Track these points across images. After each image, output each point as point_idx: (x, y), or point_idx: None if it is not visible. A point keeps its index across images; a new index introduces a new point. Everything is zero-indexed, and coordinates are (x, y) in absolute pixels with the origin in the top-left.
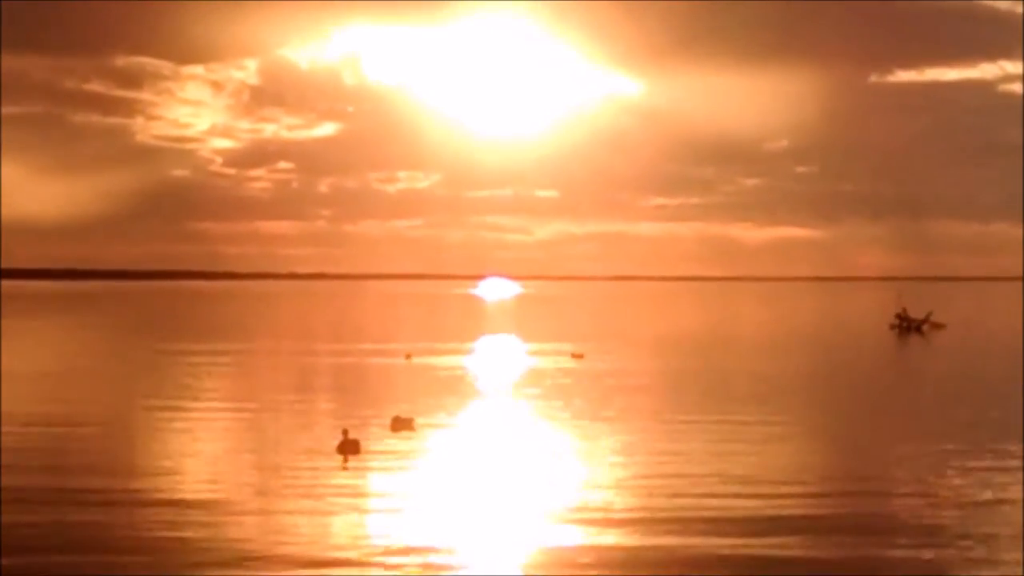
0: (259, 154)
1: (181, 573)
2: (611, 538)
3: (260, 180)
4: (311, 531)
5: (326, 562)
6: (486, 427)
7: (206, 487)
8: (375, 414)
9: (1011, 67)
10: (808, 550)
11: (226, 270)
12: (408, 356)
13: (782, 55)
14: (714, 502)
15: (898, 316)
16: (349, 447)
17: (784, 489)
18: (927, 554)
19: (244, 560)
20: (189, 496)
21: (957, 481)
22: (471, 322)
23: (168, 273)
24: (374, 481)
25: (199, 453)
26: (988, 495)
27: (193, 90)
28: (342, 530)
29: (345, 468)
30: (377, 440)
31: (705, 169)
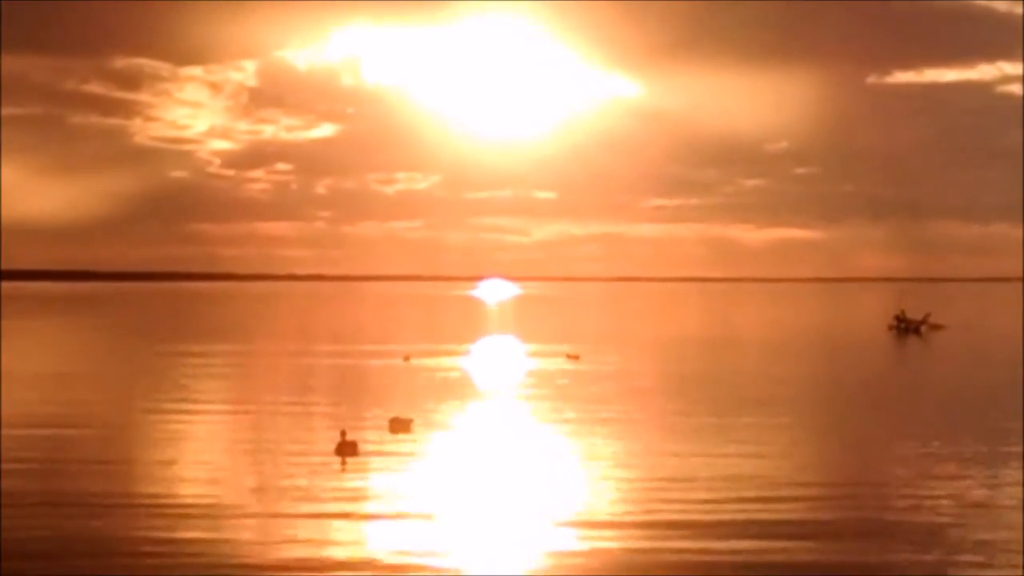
0: (258, 155)
1: None
2: (609, 541)
3: (259, 181)
4: (309, 534)
5: (324, 565)
6: (484, 429)
7: (204, 489)
8: (373, 415)
9: (1009, 68)
10: (808, 554)
11: (224, 271)
12: (407, 358)
13: (781, 56)
14: (711, 506)
15: (897, 317)
16: (347, 448)
17: (782, 492)
18: (927, 557)
19: (242, 564)
20: (187, 499)
21: (956, 483)
22: (469, 324)
23: (166, 274)
24: (372, 483)
25: (197, 455)
26: (988, 497)
27: (192, 91)
28: (340, 533)
29: (343, 469)
30: (375, 441)
31: (705, 170)
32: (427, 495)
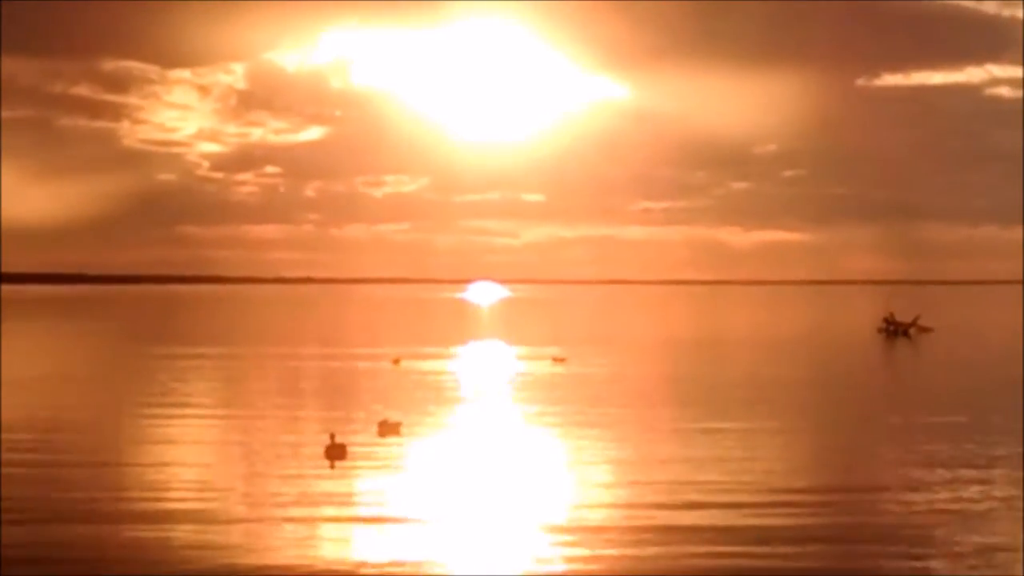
0: (246, 158)
1: None
2: (595, 547)
3: (247, 184)
4: (297, 537)
5: (312, 569)
6: (472, 432)
7: (193, 493)
8: (362, 419)
9: (998, 71)
10: (799, 559)
11: (213, 274)
12: (396, 361)
13: (770, 59)
14: (699, 511)
15: (886, 320)
16: (336, 452)
17: (771, 497)
18: (917, 561)
19: (231, 568)
20: (177, 503)
21: (948, 485)
22: (458, 327)
23: (155, 277)
24: (360, 486)
25: (185, 458)
26: (979, 499)
27: (180, 94)
28: (328, 536)
29: (332, 473)
30: (364, 445)
31: (694, 173)
32: (415, 498)
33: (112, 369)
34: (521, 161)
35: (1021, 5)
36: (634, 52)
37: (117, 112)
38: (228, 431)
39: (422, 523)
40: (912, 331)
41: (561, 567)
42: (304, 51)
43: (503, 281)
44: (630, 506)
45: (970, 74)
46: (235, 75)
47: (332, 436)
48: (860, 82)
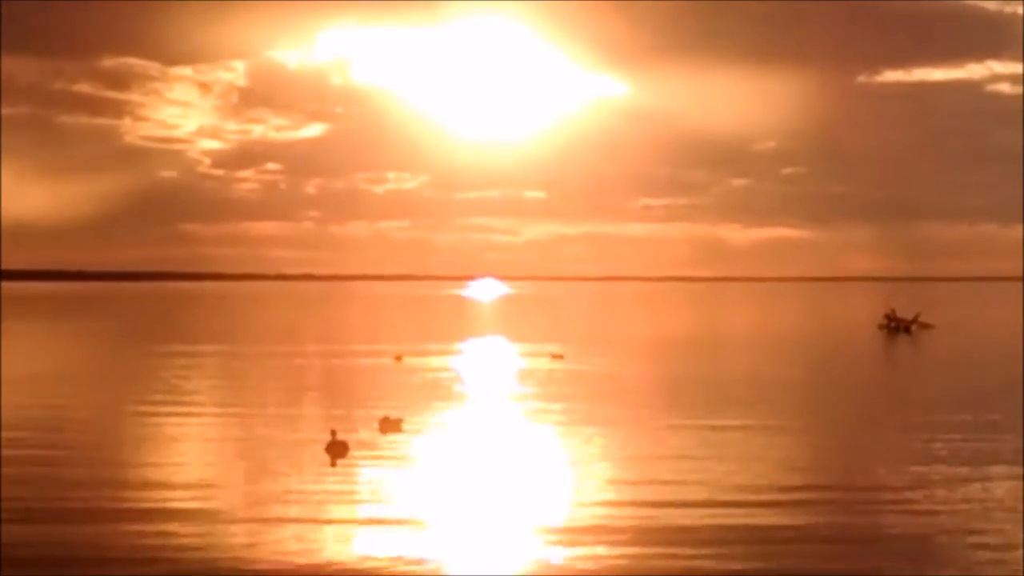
0: (247, 155)
1: None
2: (594, 546)
3: (248, 181)
4: (297, 535)
5: (313, 567)
6: (472, 429)
7: (194, 491)
8: (363, 415)
9: (998, 67)
10: (798, 560)
11: (214, 271)
12: (398, 358)
13: (769, 56)
14: (699, 510)
15: (887, 316)
16: (337, 448)
17: (771, 496)
18: (920, 560)
19: (232, 566)
20: (178, 502)
21: (950, 482)
22: (459, 324)
23: (156, 274)
24: (362, 482)
25: (187, 456)
26: (982, 496)
27: (181, 91)
28: (328, 535)
29: (333, 469)
30: (365, 441)
31: (693, 170)
32: (416, 496)
33: (113, 367)
34: (522, 158)
35: (1021, 3)
36: (634, 50)
37: (118, 109)
38: (229, 428)
39: (423, 521)
40: (913, 328)
41: (561, 567)
42: (305, 48)
43: (504, 278)
44: (627, 505)
45: (971, 70)
46: (236, 72)
47: (333, 433)
48: (860, 79)
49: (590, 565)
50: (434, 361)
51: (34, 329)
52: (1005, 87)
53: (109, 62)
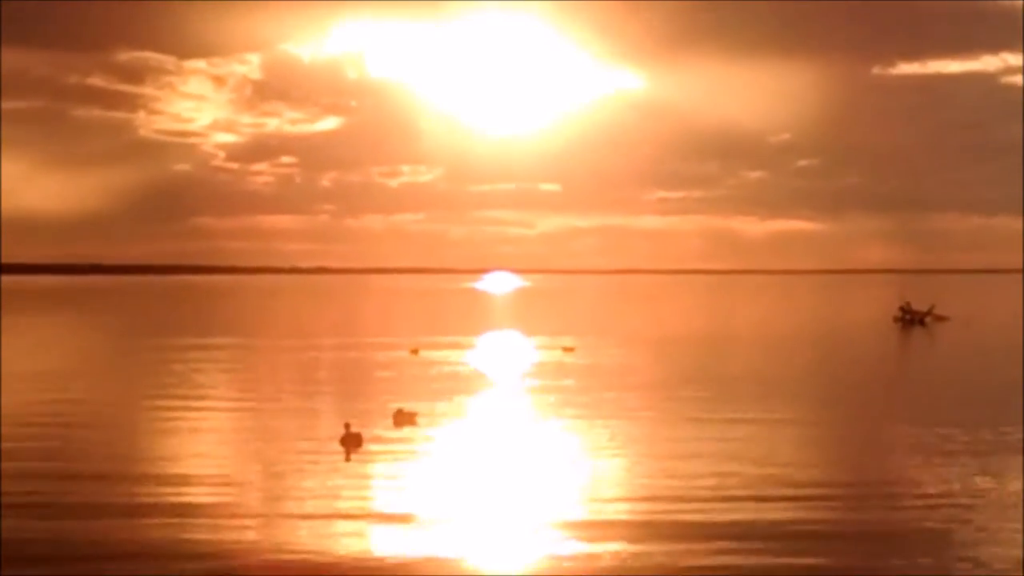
0: (261, 148)
1: None
2: (611, 542)
3: (263, 175)
4: (311, 527)
5: (326, 559)
6: (486, 422)
7: (209, 482)
8: (378, 408)
9: (1013, 59)
10: (801, 557)
11: (228, 264)
12: (415, 351)
13: (784, 48)
14: (709, 504)
15: (902, 309)
16: (351, 441)
17: (777, 492)
18: (918, 560)
19: (244, 558)
20: (192, 494)
21: (963, 478)
22: (473, 317)
23: (170, 268)
24: (375, 475)
25: (202, 448)
26: (1000, 489)
27: (195, 85)
28: (341, 526)
29: (347, 462)
30: (379, 434)
31: (708, 163)
32: (429, 489)
33: (126, 360)
34: (536, 151)
35: None
36: (649, 43)
37: (133, 103)
38: (243, 421)
39: (436, 515)
40: (928, 320)
41: (576, 562)
42: (320, 42)
43: (518, 271)
44: (640, 500)
45: (985, 63)
46: (251, 65)
47: (347, 426)
48: (875, 71)
49: (605, 561)
50: (448, 354)
51: (47, 323)
52: (1020, 79)
53: (123, 56)
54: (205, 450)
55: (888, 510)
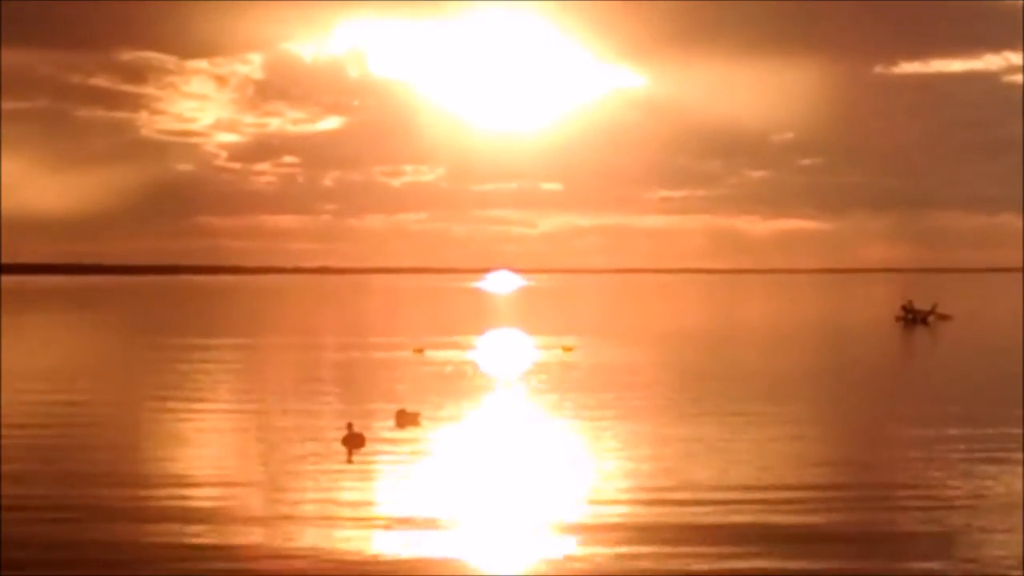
0: (264, 148)
1: None
2: (613, 544)
3: (265, 174)
4: (312, 528)
5: (328, 560)
6: (489, 422)
7: (210, 482)
8: (380, 408)
9: (1015, 58)
10: (800, 559)
11: (231, 264)
12: (419, 350)
13: (787, 47)
14: (710, 505)
15: (904, 308)
16: (353, 441)
17: (778, 494)
18: (929, 556)
19: (245, 559)
20: (192, 497)
21: (965, 477)
22: (476, 316)
23: (173, 267)
24: (377, 476)
25: (203, 449)
26: (1003, 489)
27: (198, 84)
28: (343, 527)
29: (349, 462)
30: (382, 434)
31: (710, 162)
32: (432, 490)
33: (129, 360)
34: (538, 150)
35: None
36: (651, 41)
37: (135, 103)
38: (245, 421)
39: (438, 515)
40: (931, 319)
41: (578, 563)
42: (321, 41)
43: (520, 270)
44: (641, 503)
45: (987, 61)
46: (252, 65)
47: (350, 426)
48: (877, 70)
49: (607, 562)
50: (450, 354)
51: (49, 322)
52: (1022, 78)
53: (126, 55)
54: (206, 450)
55: (889, 510)
